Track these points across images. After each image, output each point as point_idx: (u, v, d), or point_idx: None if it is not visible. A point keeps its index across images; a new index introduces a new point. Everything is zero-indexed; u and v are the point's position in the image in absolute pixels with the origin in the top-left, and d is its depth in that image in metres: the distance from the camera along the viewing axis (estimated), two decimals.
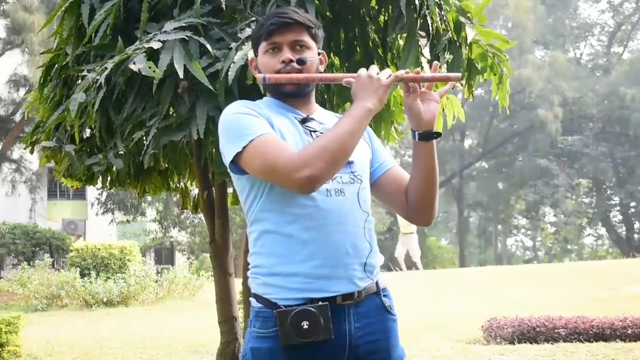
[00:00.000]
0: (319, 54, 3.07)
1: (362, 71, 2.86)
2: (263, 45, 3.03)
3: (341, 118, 2.81)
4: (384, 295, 3.00)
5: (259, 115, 2.88)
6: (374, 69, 2.87)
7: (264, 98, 3.12)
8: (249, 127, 2.83)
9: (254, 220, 2.94)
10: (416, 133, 2.98)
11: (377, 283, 2.97)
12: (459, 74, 2.94)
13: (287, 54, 2.97)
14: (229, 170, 2.96)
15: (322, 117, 3.09)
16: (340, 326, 2.84)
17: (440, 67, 5.47)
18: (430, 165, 2.99)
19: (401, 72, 2.90)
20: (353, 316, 2.87)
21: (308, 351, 2.79)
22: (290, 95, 3.02)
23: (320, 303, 2.79)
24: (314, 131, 2.98)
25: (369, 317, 2.92)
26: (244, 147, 2.80)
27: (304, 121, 3.00)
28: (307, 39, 3.01)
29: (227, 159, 2.89)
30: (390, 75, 2.85)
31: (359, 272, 2.89)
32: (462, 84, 5.99)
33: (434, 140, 2.99)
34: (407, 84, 2.95)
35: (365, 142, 3.14)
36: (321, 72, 3.09)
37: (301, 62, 2.96)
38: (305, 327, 2.76)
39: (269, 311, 2.84)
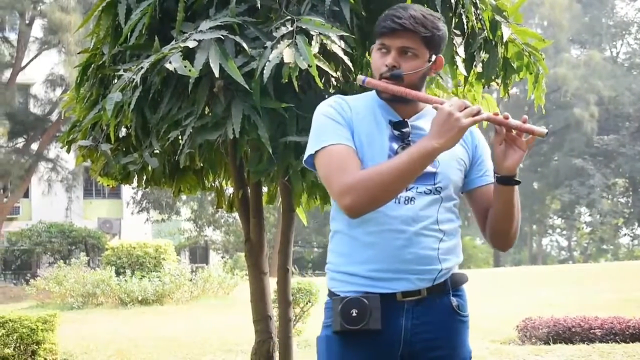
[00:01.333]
0: (429, 60, 2.96)
1: (448, 103, 2.77)
2: (377, 43, 3.01)
3: (404, 151, 2.81)
4: (454, 295, 3.01)
5: (341, 121, 2.95)
6: (461, 103, 2.77)
7: (370, 92, 3.08)
8: (326, 132, 2.94)
9: (331, 218, 3.06)
10: (495, 175, 2.95)
11: (447, 282, 2.98)
12: (544, 130, 2.82)
13: (391, 60, 2.93)
14: (304, 164, 3.06)
15: (424, 121, 3.01)
16: (397, 320, 2.91)
17: (475, 65, 5.49)
18: (507, 206, 2.96)
19: (487, 114, 2.82)
20: (412, 313, 2.92)
21: (361, 340, 2.90)
22: (387, 100, 2.99)
23: (375, 295, 2.88)
24: (404, 138, 2.95)
25: (431, 315, 2.94)
26: (317, 151, 2.93)
27: (397, 125, 2.98)
28: (416, 45, 2.92)
29: (305, 154, 3.00)
30: (475, 115, 2.75)
31: (423, 276, 2.92)
32: (497, 83, 5.97)
33: (515, 186, 2.94)
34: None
35: (466, 151, 3.08)
36: (432, 76, 3.05)
37: (394, 77, 2.92)
38: (354, 314, 2.87)
39: (330, 301, 2.99)
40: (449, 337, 2.98)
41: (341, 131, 2.92)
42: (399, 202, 2.90)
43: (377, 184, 2.77)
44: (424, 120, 3.00)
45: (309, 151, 2.97)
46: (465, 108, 2.76)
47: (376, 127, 2.97)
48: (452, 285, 3.00)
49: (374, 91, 3.06)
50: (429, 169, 2.91)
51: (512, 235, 3.03)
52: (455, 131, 2.73)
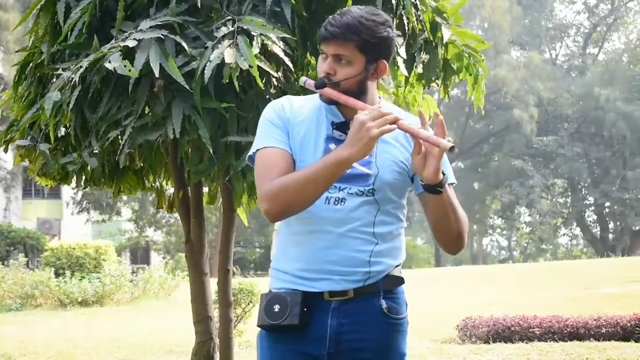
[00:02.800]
0: (367, 66, 2.94)
1: (365, 112, 2.78)
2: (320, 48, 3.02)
3: (320, 159, 2.85)
4: (387, 298, 3.01)
5: (278, 123, 3.00)
6: (377, 113, 2.76)
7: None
8: (262, 134, 3.01)
9: None
10: (420, 183, 2.92)
11: (378, 284, 2.99)
12: (448, 145, 2.76)
13: (326, 67, 2.95)
14: (248, 162, 3.09)
15: None
16: (323, 319, 2.94)
17: (416, 66, 5.52)
18: (439, 211, 2.94)
19: (401, 124, 2.80)
20: (338, 312, 2.94)
21: (288, 336, 2.96)
22: (327, 103, 3.00)
23: (297, 291, 2.94)
24: (343, 140, 2.92)
25: (359, 316, 2.96)
26: (254, 153, 3.01)
27: (339, 126, 2.99)
28: (349, 52, 2.91)
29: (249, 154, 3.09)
30: (384, 125, 2.74)
31: (350, 277, 2.94)
32: (437, 84, 6.01)
33: (443, 194, 2.89)
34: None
35: (410, 154, 3.00)
36: (375, 81, 3.02)
37: (318, 86, 2.95)
38: (276, 310, 2.95)
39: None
40: (377, 339, 2.99)
41: (276, 134, 2.97)
42: (329, 203, 2.92)
43: (291, 191, 2.82)
44: None
45: (251, 151, 3.03)
46: (381, 117, 2.76)
47: (316, 127, 2.99)
48: (385, 288, 3.01)
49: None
50: (365, 170, 2.94)
51: (455, 238, 3.02)
52: (365, 141, 2.74)
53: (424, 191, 2.92)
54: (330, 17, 2.97)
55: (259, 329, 3.05)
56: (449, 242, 3.04)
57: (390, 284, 3.03)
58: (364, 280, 2.95)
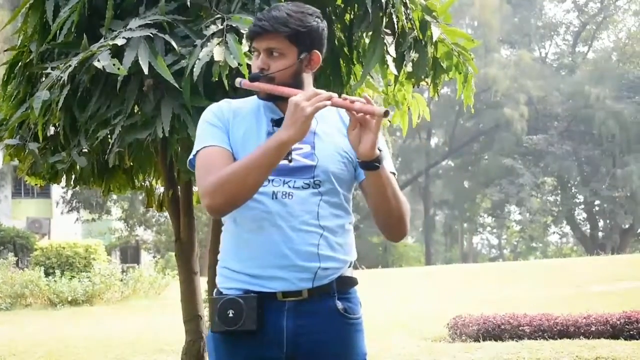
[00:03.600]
0: (299, 57, 2.97)
1: (299, 95, 2.80)
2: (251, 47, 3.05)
3: (256, 149, 2.84)
4: (340, 298, 3.00)
5: (217, 123, 3.00)
6: (311, 93, 2.79)
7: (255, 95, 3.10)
8: (202, 136, 3.01)
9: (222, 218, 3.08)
10: (357, 161, 2.94)
11: (331, 285, 2.97)
12: (382, 110, 2.78)
13: (260, 62, 2.97)
14: (189, 167, 3.08)
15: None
16: (278, 320, 2.92)
17: (405, 65, 5.52)
18: (379, 191, 2.94)
19: (334, 100, 2.82)
20: (294, 313, 2.92)
21: (245, 339, 2.92)
22: (265, 99, 3.02)
23: (252, 294, 2.90)
24: None
25: (315, 317, 2.94)
26: (194, 155, 3.00)
27: (278, 122, 2.97)
28: (280, 45, 2.94)
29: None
30: (317, 103, 2.77)
31: (302, 274, 2.92)
32: (427, 83, 6.00)
33: (381, 171, 2.89)
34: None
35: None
36: (311, 72, 3.05)
37: (252, 79, 2.97)
38: (231, 315, 2.90)
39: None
40: (337, 340, 2.97)
41: (216, 133, 2.98)
42: (276, 198, 2.91)
43: (233, 182, 2.80)
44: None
45: (192, 153, 3.03)
46: (315, 95, 2.78)
47: (256, 125, 3.01)
48: (339, 288, 2.99)
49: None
50: (307, 162, 2.96)
51: (396, 222, 3.01)
52: (301, 121, 2.76)
53: (362, 169, 2.93)
54: (259, 14, 3.02)
55: (212, 331, 3.00)
56: (390, 225, 3.03)
57: (344, 285, 3.02)
58: (315, 278, 2.92)
